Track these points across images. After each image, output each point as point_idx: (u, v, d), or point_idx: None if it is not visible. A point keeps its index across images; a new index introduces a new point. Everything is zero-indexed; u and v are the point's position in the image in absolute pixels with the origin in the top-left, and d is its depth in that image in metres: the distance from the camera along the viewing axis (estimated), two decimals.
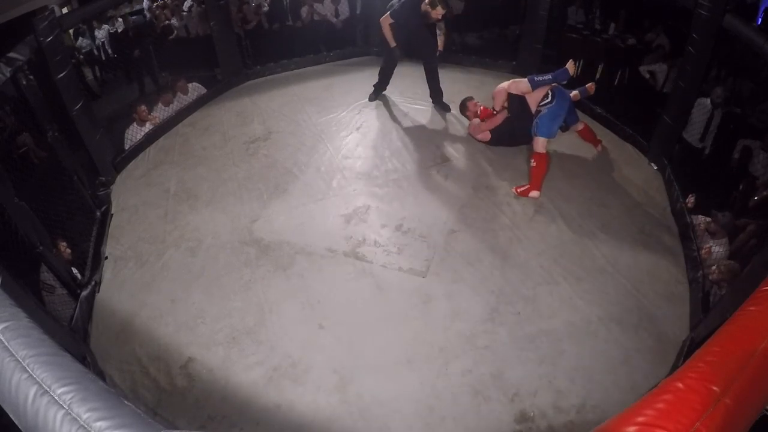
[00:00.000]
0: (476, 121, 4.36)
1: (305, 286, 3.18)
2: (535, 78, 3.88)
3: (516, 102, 4.04)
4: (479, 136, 4.34)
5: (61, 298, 2.94)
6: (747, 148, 3.96)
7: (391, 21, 4.31)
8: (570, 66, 3.84)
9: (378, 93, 5.02)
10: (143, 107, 4.60)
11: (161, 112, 4.81)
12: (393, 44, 4.43)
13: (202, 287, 3.22)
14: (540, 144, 3.77)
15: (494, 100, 4.22)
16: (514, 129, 4.12)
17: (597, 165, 4.13)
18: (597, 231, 3.48)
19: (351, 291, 3.14)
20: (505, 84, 4.10)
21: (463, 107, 4.54)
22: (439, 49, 4.55)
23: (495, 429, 2.45)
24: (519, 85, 3.97)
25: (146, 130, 4.59)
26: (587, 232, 3.48)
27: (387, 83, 4.96)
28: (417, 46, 4.53)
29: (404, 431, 2.46)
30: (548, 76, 3.85)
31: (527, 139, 4.07)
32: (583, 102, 4.39)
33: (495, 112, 4.29)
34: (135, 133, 4.51)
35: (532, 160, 3.80)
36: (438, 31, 4.49)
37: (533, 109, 3.92)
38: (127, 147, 4.41)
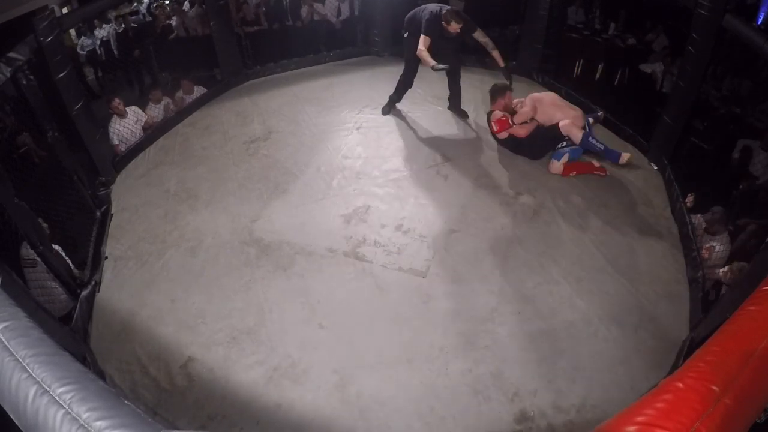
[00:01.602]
0: (498, 113, 4.11)
1: (305, 286, 3.18)
2: (590, 138, 3.79)
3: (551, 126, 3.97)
4: (504, 132, 4.07)
5: (61, 298, 2.94)
6: (747, 147, 3.97)
7: (428, 39, 4.09)
8: (624, 156, 3.73)
9: (392, 105, 4.80)
10: (117, 100, 4.42)
11: (160, 112, 4.80)
12: (431, 64, 4.11)
13: (202, 287, 3.22)
14: (555, 167, 3.92)
15: (523, 106, 4.06)
16: (531, 142, 4.05)
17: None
18: (597, 231, 3.48)
19: (351, 291, 3.14)
20: (565, 118, 3.90)
21: (498, 94, 4.18)
22: (501, 65, 4.32)
23: (495, 429, 2.45)
24: (576, 128, 3.83)
25: (129, 123, 4.46)
26: (587, 232, 3.48)
27: (402, 96, 4.76)
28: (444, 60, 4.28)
29: (404, 431, 2.46)
30: (601, 147, 3.79)
31: (533, 154, 4.08)
32: (584, 101, 4.38)
33: (512, 124, 4.04)
34: (120, 128, 4.39)
35: (573, 172, 3.92)
36: (490, 44, 4.29)
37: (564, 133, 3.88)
38: (115, 143, 4.33)
